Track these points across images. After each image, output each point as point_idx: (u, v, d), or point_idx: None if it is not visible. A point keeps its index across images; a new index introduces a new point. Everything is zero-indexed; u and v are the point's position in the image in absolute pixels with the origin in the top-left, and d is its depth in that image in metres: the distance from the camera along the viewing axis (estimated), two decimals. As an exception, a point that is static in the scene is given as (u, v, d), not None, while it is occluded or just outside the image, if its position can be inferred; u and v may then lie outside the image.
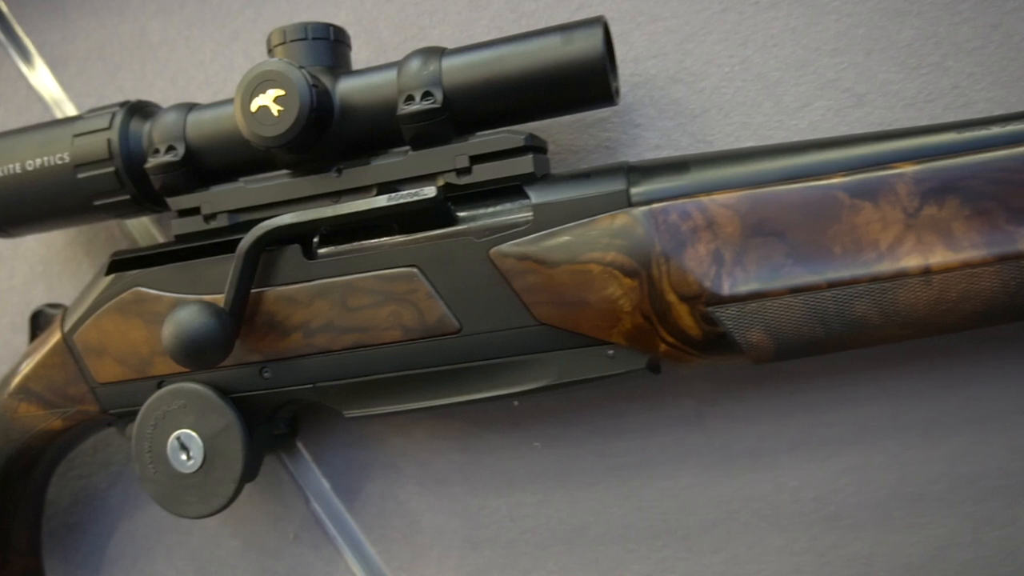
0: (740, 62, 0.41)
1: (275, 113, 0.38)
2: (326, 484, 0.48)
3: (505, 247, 0.37)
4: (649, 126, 0.42)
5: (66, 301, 0.51)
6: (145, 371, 0.42)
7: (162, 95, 0.49)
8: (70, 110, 0.52)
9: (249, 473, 0.41)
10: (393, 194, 0.38)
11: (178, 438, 0.41)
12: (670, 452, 0.42)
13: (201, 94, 0.49)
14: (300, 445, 0.48)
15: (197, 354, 0.37)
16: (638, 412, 0.43)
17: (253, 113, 0.38)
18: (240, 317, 0.40)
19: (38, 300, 0.52)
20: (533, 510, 0.44)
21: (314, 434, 0.48)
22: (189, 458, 0.41)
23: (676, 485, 0.42)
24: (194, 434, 0.41)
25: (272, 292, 0.40)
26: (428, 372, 0.39)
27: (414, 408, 0.39)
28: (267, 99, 0.38)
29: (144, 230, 0.51)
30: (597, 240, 0.36)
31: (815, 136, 0.40)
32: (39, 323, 0.46)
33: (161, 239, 0.51)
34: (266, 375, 0.41)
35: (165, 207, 0.44)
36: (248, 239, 0.39)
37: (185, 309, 0.38)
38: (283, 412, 0.43)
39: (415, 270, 0.38)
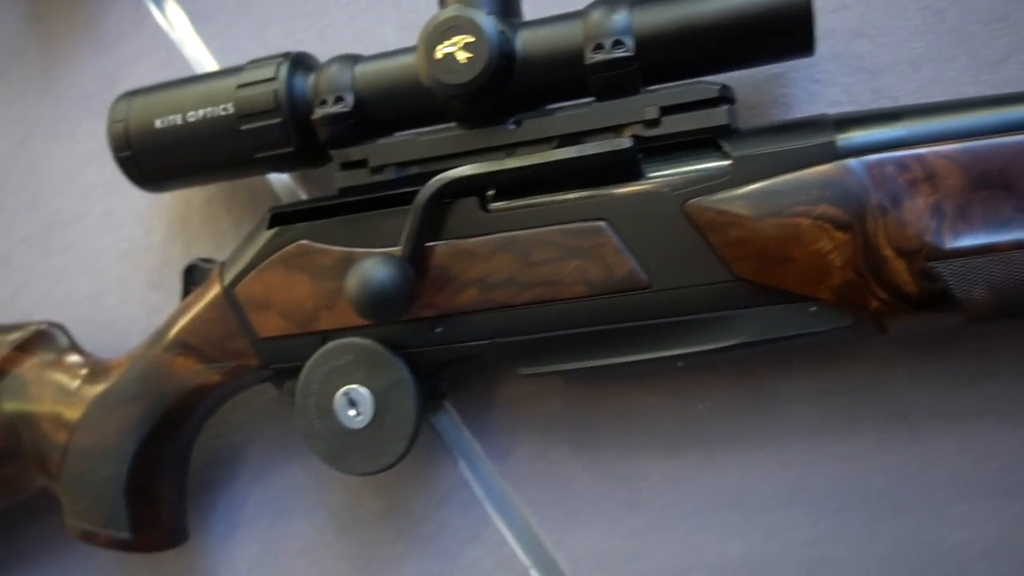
0: (934, 14, 0.39)
1: (462, 60, 0.37)
2: (476, 446, 0.47)
3: (703, 200, 0.36)
4: (829, 82, 0.41)
5: (205, 257, 0.51)
6: (309, 326, 0.42)
7: (310, 51, 0.49)
8: (212, 68, 0.51)
9: (419, 430, 0.40)
10: (585, 144, 0.37)
11: (346, 394, 0.41)
12: (843, 417, 0.41)
13: (352, 49, 0.48)
14: (448, 406, 0.47)
15: (382, 307, 0.37)
16: (810, 376, 0.42)
17: (437, 60, 0.37)
18: (416, 271, 0.39)
19: (176, 258, 0.52)
20: (693, 473, 0.44)
21: (463, 395, 0.47)
22: (358, 414, 0.40)
23: (848, 450, 0.41)
24: (363, 390, 0.40)
25: (447, 246, 0.39)
26: (613, 329, 0.38)
27: (595, 365, 0.39)
28: (453, 46, 0.37)
29: (285, 188, 0.51)
30: (806, 193, 0.34)
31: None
32: (192, 278, 0.46)
33: (305, 196, 0.50)
34: (438, 331, 0.40)
35: (325, 161, 0.44)
36: (428, 189, 0.38)
37: (370, 261, 0.37)
38: (448, 370, 0.42)
39: (603, 224, 0.37)
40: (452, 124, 0.41)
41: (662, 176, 0.37)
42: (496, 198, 0.39)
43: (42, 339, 0.48)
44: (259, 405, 0.50)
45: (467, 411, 0.47)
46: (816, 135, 0.35)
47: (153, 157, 0.44)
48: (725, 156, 0.36)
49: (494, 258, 0.39)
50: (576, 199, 0.38)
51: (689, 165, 0.37)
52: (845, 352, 0.41)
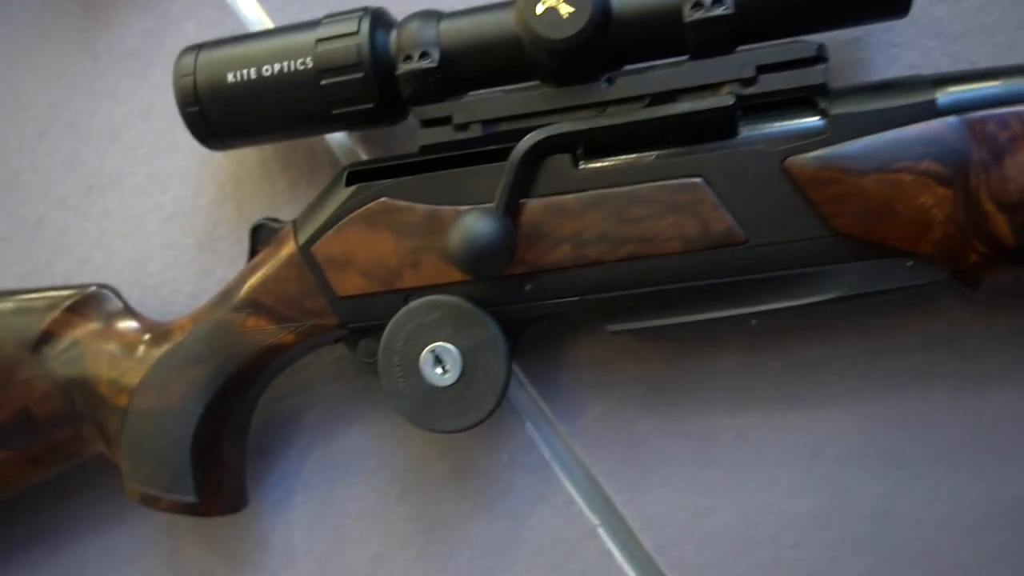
0: (1015, -21, 0.41)
1: (564, 15, 0.37)
2: (543, 406, 0.47)
3: (803, 157, 0.37)
4: (908, 46, 0.42)
5: (271, 217, 0.50)
6: (392, 284, 0.41)
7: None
8: (266, 26, 0.50)
9: (507, 388, 0.40)
10: (689, 100, 0.37)
11: (433, 351, 0.40)
12: (915, 374, 0.43)
13: (407, 8, 0.47)
14: (515, 367, 0.47)
15: (486, 261, 0.37)
16: (883, 334, 0.43)
17: (538, 15, 0.37)
18: (512, 227, 0.39)
19: (227, 220, 0.51)
20: (766, 431, 0.44)
21: (529, 356, 0.47)
22: (445, 372, 0.40)
23: (921, 406, 0.43)
24: (451, 347, 0.40)
25: (540, 202, 0.39)
26: (706, 284, 0.39)
27: (686, 321, 0.39)
28: (555, 0, 0.37)
29: (343, 149, 0.50)
30: (909, 149, 0.35)
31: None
32: (260, 237, 0.45)
33: (364, 157, 0.50)
34: (527, 288, 0.40)
35: (400, 119, 0.43)
36: (524, 145, 0.38)
37: (473, 215, 0.37)
38: (532, 327, 0.42)
39: (699, 180, 0.38)
40: (537, 82, 0.41)
41: (759, 134, 0.38)
42: (586, 155, 0.40)
43: (94, 301, 0.47)
44: (317, 368, 0.50)
45: (533, 372, 0.47)
46: (915, 93, 0.36)
47: (224, 112, 0.43)
48: (822, 114, 0.37)
49: (587, 215, 0.39)
50: (672, 156, 0.38)
51: (786, 123, 0.38)
52: (919, 310, 0.42)
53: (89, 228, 0.53)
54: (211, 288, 0.51)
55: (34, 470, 0.48)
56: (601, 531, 0.46)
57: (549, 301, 0.40)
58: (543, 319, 0.41)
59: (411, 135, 0.48)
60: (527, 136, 0.38)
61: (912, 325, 0.42)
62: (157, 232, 0.52)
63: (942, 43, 0.41)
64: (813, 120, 0.37)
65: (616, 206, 0.39)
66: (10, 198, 0.54)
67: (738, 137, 0.38)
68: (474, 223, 0.37)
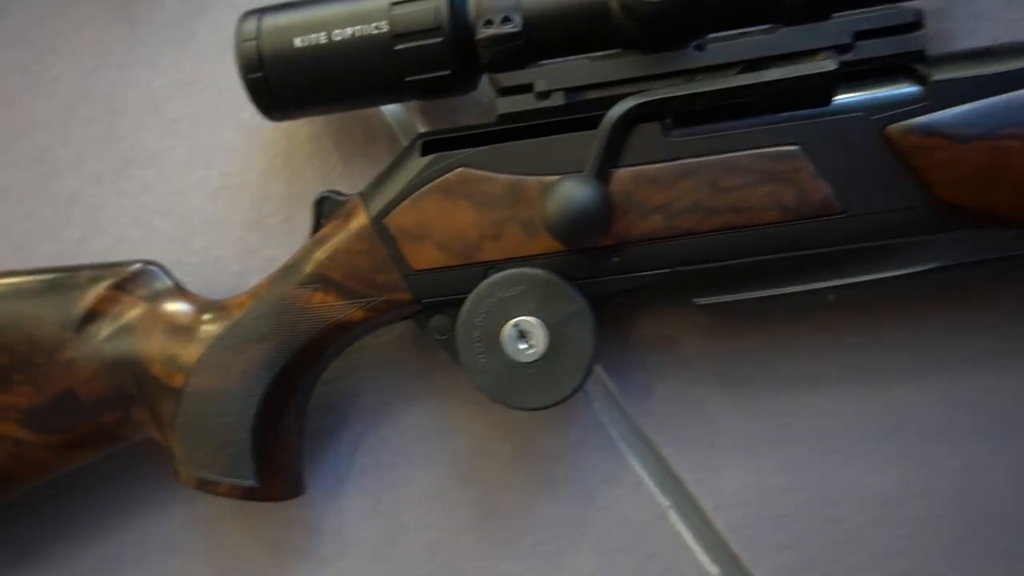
0: (1097, -48, 0.41)
1: (658, -22, 0.36)
2: (611, 385, 0.46)
3: (904, 124, 0.36)
4: (991, 17, 0.42)
5: (309, 196, 0.48)
6: (471, 257, 0.40)
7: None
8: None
9: (595, 363, 0.39)
10: (789, 66, 0.36)
11: (516, 326, 0.39)
12: (994, 350, 0.42)
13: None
14: (582, 346, 0.46)
15: (584, 230, 0.36)
16: (962, 310, 0.42)
17: (632, -22, 0.36)
18: (602, 196, 0.38)
19: (276, 196, 0.49)
20: (843, 408, 0.44)
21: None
22: (529, 347, 0.39)
23: (1000, 382, 0.42)
24: (536, 321, 0.39)
25: (629, 172, 0.38)
26: (801, 256, 0.38)
27: (777, 294, 0.38)
28: (650, -37, 0.36)
29: (399, 122, 0.48)
30: (1018, 115, 0.35)
31: None
32: (324, 210, 0.43)
33: (424, 129, 0.48)
34: (615, 260, 0.39)
35: (471, 88, 0.42)
36: (617, 111, 0.37)
37: (570, 183, 0.36)
38: (615, 301, 0.41)
39: (797, 148, 0.37)
40: (618, 50, 0.39)
41: (856, 101, 0.37)
42: (675, 124, 0.39)
43: (142, 278, 0.45)
44: (372, 349, 0.48)
45: (602, 351, 0.46)
46: (1019, 59, 0.36)
47: (289, 79, 0.41)
48: (921, 80, 0.37)
49: (679, 184, 0.38)
50: (768, 124, 0.37)
51: (885, 90, 0.37)
52: (999, 285, 0.42)
53: (126, 204, 0.51)
54: (259, 267, 0.49)
55: (75, 455, 0.45)
56: (671, 513, 0.45)
57: (638, 274, 0.39)
58: (628, 293, 0.40)
59: (473, 107, 0.47)
60: (620, 102, 0.37)
61: (991, 301, 0.42)
62: (201, 209, 0.50)
63: (1025, 15, 0.41)
64: (912, 87, 0.37)
65: (710, 175, 0.38)
66: (39, 174, 0.52)
67: (834, 104, 0.37)
68: (573, 190, 0.35)
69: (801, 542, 0.44)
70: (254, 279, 0.48)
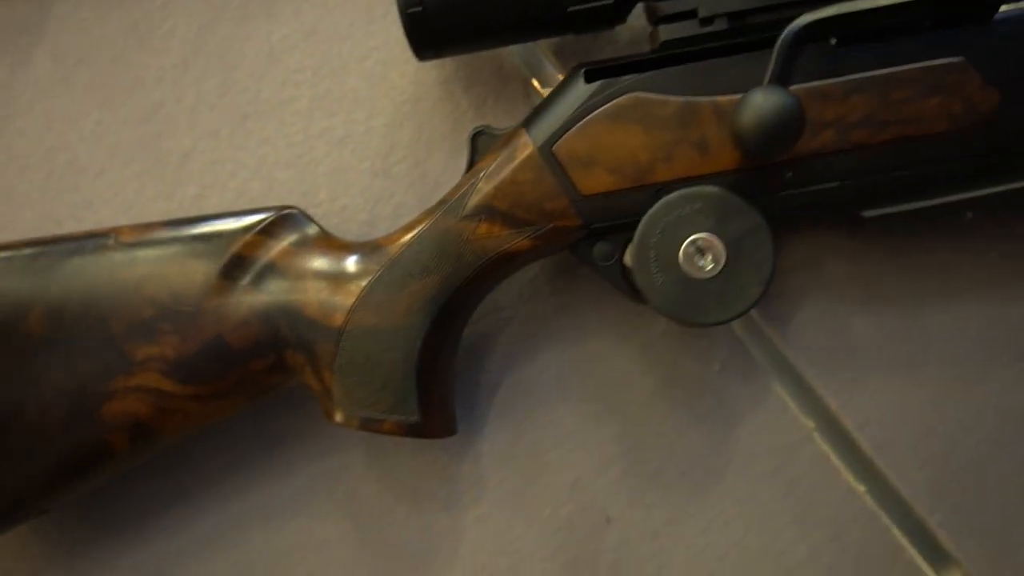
0: None
1: None
2: (753, 311, 0.47)
3: (1070, 29, 0.38)
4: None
5: (439, 141, 0.49)
6: (643, 179, 0.41)
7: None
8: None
9: (774, 275, 0.40)
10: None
11: (694, 243, 0.40)
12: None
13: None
14: (723, 276, 0.47)
15: (780, 137, 0.36)
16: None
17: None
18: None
19: (404, 143, 0.49)
20: (984, 324, 0.45)
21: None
22: (707, 264, 0.40)
23: None
24: (713, 238, 0.40)
25: (800, 89, 0.39)
26: (969, 164, 0.39)
27: (946, 202, 0.40)
28: None
29: (529, 65, 0.49)
30: None
31: None
32: (478, 145, 0.44)
33: (556, 69, 0.49)
34: (788, 176, 0.40)
35: (620, 22, 0.43)
36: (793, 28, 0.38)
37: (763, 92, 0.37)
38: (785, 217, 0.42)
39: (964, 59, 0.39)
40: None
41: (1020, 12, 0.39)
42: (840, 44, 0.40)
43: (288, 222, 0.45)
44: (508, 290, 0.48)
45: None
46: None
47: (449, 13, 0.41)
48: None
49: (850, 99, 0.39)
50: (934, 37, 0.39)
51: None
52: None
53: (245, 158, 0.50)
54: (388, 214, 0.49)
55: (222, 405, 0.44)
56: (816, 435, 0.47)
57: (810, 188, 0.40)
58: (798, 210, 0.41)
59: (607, 46, 0.48)
60: (795, 20, 0.38)
61: None
62: (325, 159, 0.50)
63: None
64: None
65: (880, 89, 0.39)
66: (150, 132, 0.51)
67: (998, 16, 0.39)
68: (767, 99, 0.36)
69: (945, 458, 0.46)
70: (383, 227, 0.49)
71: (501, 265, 0.42)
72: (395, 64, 0.49)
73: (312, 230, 0.45)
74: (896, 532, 0.46)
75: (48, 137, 0.51)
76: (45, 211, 0.51)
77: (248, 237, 0.44)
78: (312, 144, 0.50)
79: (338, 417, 0.43)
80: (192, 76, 0.51)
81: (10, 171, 0.52)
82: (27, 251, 0.45)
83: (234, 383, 0.44)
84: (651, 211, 0.40)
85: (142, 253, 0.44)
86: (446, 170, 0.49)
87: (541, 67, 0.49)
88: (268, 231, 0.44)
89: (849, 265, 0.46)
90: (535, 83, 0.49)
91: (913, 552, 0.46)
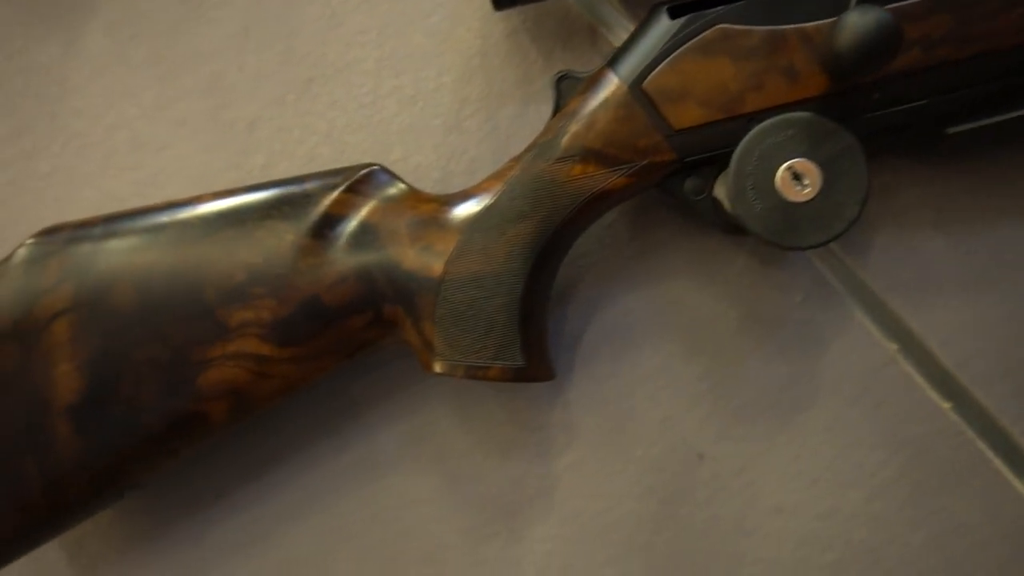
0: None
1: None
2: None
3: None
4: None
5: (509, 94, 0.49)
6: (734, 110, 0.42)
7: None
8: None
9: (870, 195, 0.41)
10: None
11: (790, 168, 0.41)
12: None
13: None
14: (799, 208, 0.48)
15: (879, 52, 0.37)
16: None
17: None
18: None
19: (475, 97, 0.50)
20: (1049, 238, 0.47)
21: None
22: (804, 187, 0.41)
23: None
24: (809, 162, 0.41)
25: (886, 10, 0.41)
26: (1050, 75, 0.41)
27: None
28: None
29: (594, 14, 0.49)
30: None
31: None
32: (562, 88, 0.44)
33: (622, 17, 0.49)
34: (876, 96, 0.41)
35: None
36: (874, -47, 0.40)
37: (858, 12, 0.38)
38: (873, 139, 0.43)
39: (1043, -27, 0.40)
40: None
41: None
42: (914, -33, 0.41)
43: (374, 178, 0.45)
44: (585, 236, 0.49)
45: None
46: None
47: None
48: None
49: (933, 17, 0.40)
50: (1010, -46, 0.40)
51: None
52: None
53: (314, 123, 0.50)
54: (462, 170, 0.49)
55: (319, 365, 0.44)
56: (900, 356, 0.48)
57: (897, 107, 0.41)
58: (886, 131, 0.42)
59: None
60: None
61: None
62: (396, 118, 0.50)
63: None
64: None
65: (962, 4, 0.40)
66: (212, 104, 0.51)
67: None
68: (863, 18, 0.37)
69: (1025, 366, 0.47)
70: (458, 183, 0.49)
71: (596, 205, 0.43)
72: (461, 19, 0.49)
73: (399, 184, 0.45)
74: (981, 444, 0.47)
75: (107, 115, 0.51)
76: (108, 189, 0.51)
77: (336, 195, 0.44)
78: (382, 104, 0.50)
79: (439, 367, 0.43)
80: (253, 44, 0.51)
81: (68, 151, 0.51)
82: (101, 228, 0.44)
83: (333, 341, 0.44)
84: (745, 140, 0.41)
85: (226, 219, 0.44)
86: (518, 122, 0.49)
87: (606, 15, 0.49)
88: (354, 188, 0.44)
89: (921, 189, 0.48)
90: (604, 31, 0.49)
91: (999, 462, 0.47)
